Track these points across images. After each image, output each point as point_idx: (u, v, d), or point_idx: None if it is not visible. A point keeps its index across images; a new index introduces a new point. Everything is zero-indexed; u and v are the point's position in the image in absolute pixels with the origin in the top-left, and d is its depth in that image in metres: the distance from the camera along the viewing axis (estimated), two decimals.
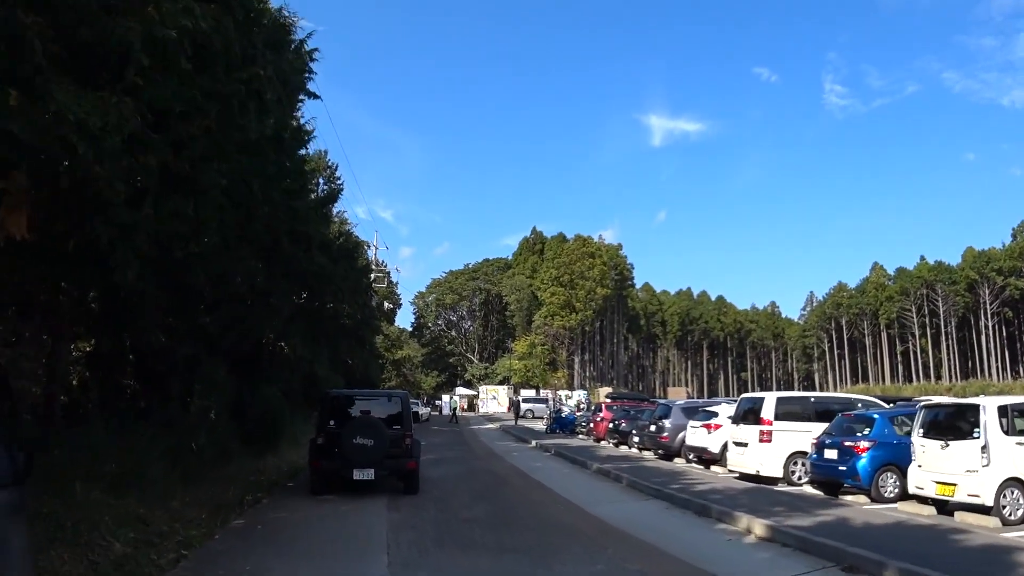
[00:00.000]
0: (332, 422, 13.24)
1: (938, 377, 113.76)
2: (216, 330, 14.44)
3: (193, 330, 14.05)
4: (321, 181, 37.70)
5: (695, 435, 19.74)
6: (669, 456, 21.78)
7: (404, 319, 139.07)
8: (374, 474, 12.47)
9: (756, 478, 15.65)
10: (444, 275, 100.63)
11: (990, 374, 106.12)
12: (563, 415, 36.38)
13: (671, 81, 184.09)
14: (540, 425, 42.84)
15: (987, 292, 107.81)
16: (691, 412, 21.83)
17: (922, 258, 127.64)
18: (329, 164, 39.89)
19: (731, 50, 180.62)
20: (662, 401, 28.38)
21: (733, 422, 17.16)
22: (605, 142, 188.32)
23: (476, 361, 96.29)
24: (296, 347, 19.98)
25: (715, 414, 19.52)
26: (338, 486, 12.85)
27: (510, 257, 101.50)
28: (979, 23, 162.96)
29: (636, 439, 25.00)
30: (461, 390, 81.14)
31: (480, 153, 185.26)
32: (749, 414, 16.66)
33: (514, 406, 47.77)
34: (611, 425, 28.42)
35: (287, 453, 18.70)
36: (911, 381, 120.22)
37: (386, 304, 58.83)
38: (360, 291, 33.22)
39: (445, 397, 68.85)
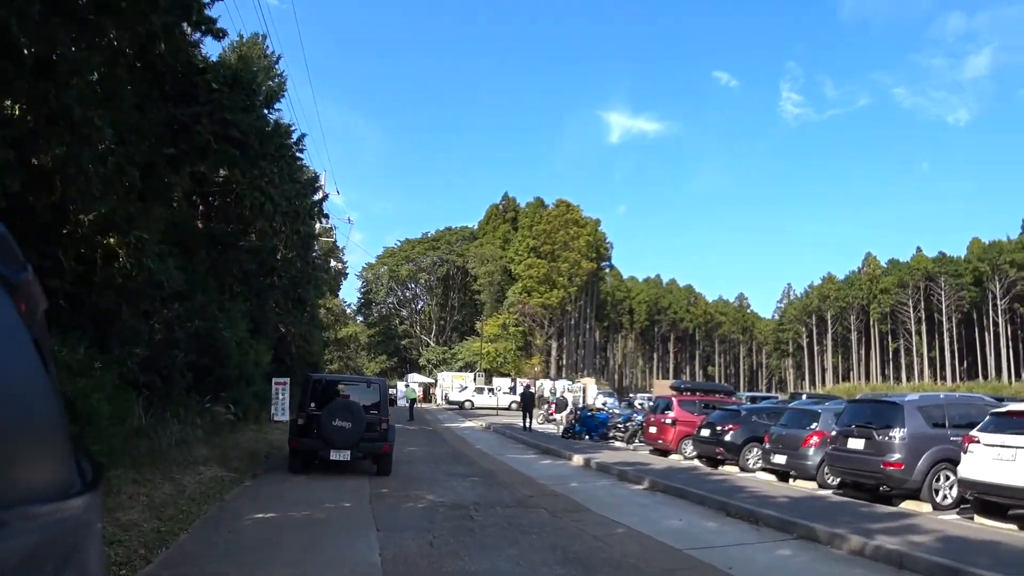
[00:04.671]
0: (312, 404, 13.85)
1: (941, 377, 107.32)
2: None
3: None
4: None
5: (997, 464, 9.83)
6: (885, 495, 12.18)
7: (349, 293, 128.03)
8: (350, 455, 13.27)
9: None
10: (398, 244, 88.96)
11: (999, 375, 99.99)
12: (589, 412, 26.29)
13: (633, 80, 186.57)
14: (539, 426, 32.68)
15: (999, 286, 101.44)
16: (937, 415, 12.19)
17: (919, 249, 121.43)
18: (267, 53, 28.41)
19: (693, 53, 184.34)
20: (864, 397, 18.81)
21: None
22: (564, 136, 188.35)
23: (432, 344, 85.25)
24: (146, 256, 9.27)
25: None
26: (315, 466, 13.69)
27: (475, 226, 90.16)
28: (932, 42, 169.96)
29: (779, 459, 15.23)
30: (415, 376, 70.31)
31: (435, 142, 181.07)
32: None
33: (523, 399, 31.30)
34: (704, 433, 18.50)
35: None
36: (900, 381, 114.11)
37: (332, 263, 47.54)
38: (301, 218, 22.39)
39: (400, 384, 57.94)
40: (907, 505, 11.80)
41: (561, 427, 27.79)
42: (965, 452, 10.55)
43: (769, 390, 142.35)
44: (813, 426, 14.91)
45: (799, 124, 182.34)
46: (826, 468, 14.10)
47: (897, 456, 11.70)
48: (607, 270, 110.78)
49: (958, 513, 11.10)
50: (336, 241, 49.55)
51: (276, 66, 28.21)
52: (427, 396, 66.02)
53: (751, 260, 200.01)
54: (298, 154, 21.70)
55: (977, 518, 10.44)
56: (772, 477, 15.67)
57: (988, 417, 10.82)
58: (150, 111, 9.46)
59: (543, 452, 20.94)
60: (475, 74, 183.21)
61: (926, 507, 11.47)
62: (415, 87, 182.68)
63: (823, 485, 14.18)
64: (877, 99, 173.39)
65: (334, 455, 13.04)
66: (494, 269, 77.70)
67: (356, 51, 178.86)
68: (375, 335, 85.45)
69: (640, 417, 25.17)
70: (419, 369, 78.76)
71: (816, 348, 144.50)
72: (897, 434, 11.83)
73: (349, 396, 14.50)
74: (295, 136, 21.61)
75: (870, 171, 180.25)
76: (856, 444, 12.50)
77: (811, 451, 14.50)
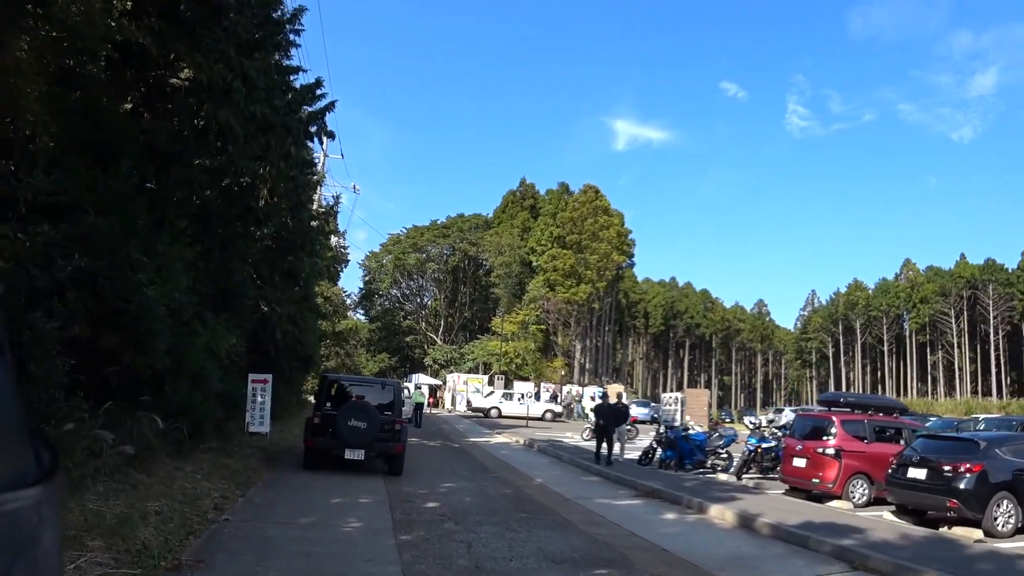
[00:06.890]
0: (328, 404, 14.59)
1: (985, 392, 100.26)
2: None
3: None
4: None
5: None
6: None
7: (349, 283, 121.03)
8: (364, 455, 13.94)
9: None
10: (404, 231, 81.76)
11: None
12: (683, 432, 19.47)
13: (640, 88, 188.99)
14: (580, 440, 25.91)
15: None
16: None
17: (962, 256, 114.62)
18: None
19: (701, 63, 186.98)
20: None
21: None
22: (570, 142, 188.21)
23: (439, 342, 78.20)
24: None
25: None
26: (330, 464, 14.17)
27: (490, 215, 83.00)
28: (938, 59, 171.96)
29: None
30: (423, 378, 63.28)
31: (441, 144, 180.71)
32: None
33: (599, 415, 19.89)
34: (914, 473, 11.73)
35: None
36: (937, 396, 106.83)
37: (333, 239, 40.57)
38: (292, 135, 15.53)
39: (408, 384, 51.07)
40: None
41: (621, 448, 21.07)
42: None
43: (789, 402, 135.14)
44: None
45: (804, 137, 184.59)
46: None
47: None
48: (629, 268, 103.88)
49: None
50: (337, 210, 42.63)
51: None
52: (436, 400, 59.10)
53: (768, 269, 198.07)
54: (293, 38, 14.76)
55: None
56: None
57: None
58: None
59: (646, 495, 14.04)
60: (480, 77, 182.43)
61: None
62: (419, 86, 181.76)
63: None
64: (882, 114, 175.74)
65: (349, 454, 13.74)
66: (511, 260, 70.64)
67: (353, 44, 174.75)
68: (376, 330, 78.49)
69: (755, 441, 18.43)
70: (423, 369, 71.90)
71: (843, 359, 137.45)
72: None
73: (364, 397, 14.81)
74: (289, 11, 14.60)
75: (876, 185, 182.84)
76: None
77: None
